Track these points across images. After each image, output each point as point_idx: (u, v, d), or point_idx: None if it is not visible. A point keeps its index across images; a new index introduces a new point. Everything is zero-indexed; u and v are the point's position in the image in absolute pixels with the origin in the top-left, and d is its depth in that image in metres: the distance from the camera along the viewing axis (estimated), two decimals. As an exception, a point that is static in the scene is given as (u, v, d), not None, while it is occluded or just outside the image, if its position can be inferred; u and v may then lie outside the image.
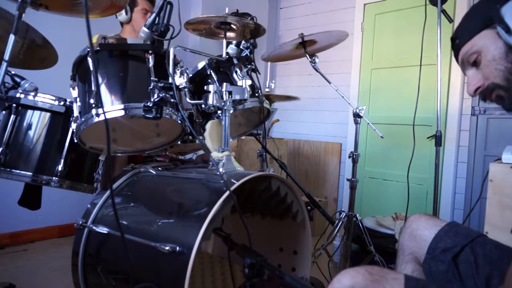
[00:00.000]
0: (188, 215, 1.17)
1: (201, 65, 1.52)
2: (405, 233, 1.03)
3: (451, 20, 1.99)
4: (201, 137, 1.39)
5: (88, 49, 1.24)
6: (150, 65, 1.26)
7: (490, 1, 0.81)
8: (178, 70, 1.30)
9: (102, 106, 1.21)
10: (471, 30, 0.85)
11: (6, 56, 1.09)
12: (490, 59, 0.82)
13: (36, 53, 1.44)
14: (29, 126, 1.37)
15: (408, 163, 2.00)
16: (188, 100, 1.37)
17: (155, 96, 1.21)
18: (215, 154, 1.30)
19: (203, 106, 1.36)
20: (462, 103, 2.86)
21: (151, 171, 1.41)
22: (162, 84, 1.24)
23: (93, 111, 1.20)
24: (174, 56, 1.28)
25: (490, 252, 0.89)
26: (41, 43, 1.39)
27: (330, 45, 2.02)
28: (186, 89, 1.32)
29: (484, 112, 2.75)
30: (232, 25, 1.45)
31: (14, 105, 1.34)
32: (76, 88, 1.32)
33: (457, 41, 0.89)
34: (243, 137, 2.81)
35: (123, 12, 2.16)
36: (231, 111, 1.36)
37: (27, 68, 1.55)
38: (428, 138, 2.10)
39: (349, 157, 2.03)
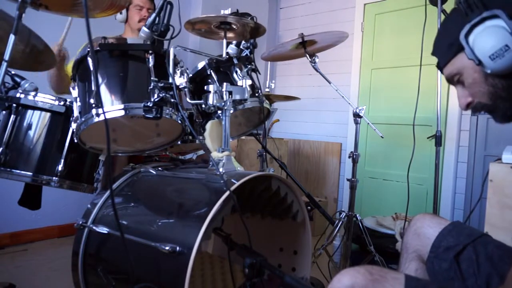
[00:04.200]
0: (188, 215, 1.17)
1: (201, 65, 1.52)
2: (409, 232, 1.04)
3: (451, 20, 1.98)
4: (201, 137, 1.39)
5: (88, 49, 1.24)
6: (150, 65, 1.26)
7: (457, 24, 0.76)
8: (178, 70, 1.30)
9: (102, 106, 1.21)
10: (448, 52, 0.82)
11: (6, 56, 1.09)
12: (471, 82, 0.81)
13: (36, 57, 1.45)
14: (29, 126, 1.37)
15: (408, 163, 2.00)
16: (188, 100, 1.37)
17: (155, 96, 1.21)
18: (215, 154, 1.30)
19: (203, 106, 1.36)
20: (462, 103, 2.85)
21: (151, 171, 1.41)
22: (162, 84, 1.24)
23: (93, 111, 1.19)
24: (174, 56, 1.28)
25: (491, 251, 0.90)
26: (42, 49, 1.40)
27: (330, 45, 2.02)
28: (186, 89, 1.32)
29: (484, 112, 2.74)
30: (232, 25, 1.45)
31: (14, 105, 1.34)
32: (76, 88, 1.32)
33: (438, 61, 0.87)
34: (243, 137, 2.81)
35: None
36: (231, 111, 1.36)
37: (26, 70, 1.55)
38: (428, 138, 2.10)
39: (349, 157, 2.03)
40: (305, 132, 3.82)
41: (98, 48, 1.25)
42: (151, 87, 1.23)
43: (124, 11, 2.18)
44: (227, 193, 1.07)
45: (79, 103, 1.29)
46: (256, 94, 1.57)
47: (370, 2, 3.38)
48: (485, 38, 0.72)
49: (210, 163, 1.28)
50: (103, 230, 1.22)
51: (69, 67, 1.96)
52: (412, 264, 1.02)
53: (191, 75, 1.49)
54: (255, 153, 2.61)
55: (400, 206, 2.89)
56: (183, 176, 1.35)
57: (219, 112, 1.35)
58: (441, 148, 2.07)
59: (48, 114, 1.39)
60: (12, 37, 1.09)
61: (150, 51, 1.27)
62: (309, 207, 1.94)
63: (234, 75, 1.50)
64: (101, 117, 1.18)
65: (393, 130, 3.12)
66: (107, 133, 0.90)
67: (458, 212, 2.89)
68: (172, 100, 1.26)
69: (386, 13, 3.28)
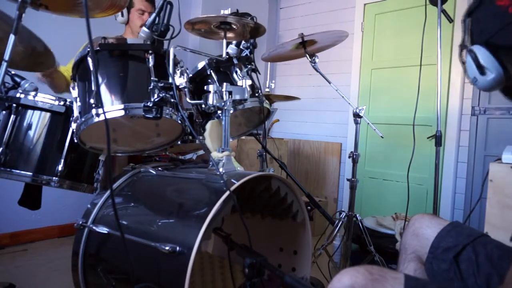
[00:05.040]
0: (188, 215, 1.17)
1: (201, 65, 1.52)
2: (407, 232, 1.04)
3: (451, 20, 1.98)
4: (201, 137, 1.39)
5: (88, 49, 1.24)
6: (150, 65, 1.26)
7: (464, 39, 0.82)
8: (178, 70, 1.30)
9: (102, 106, 1.21)
10: None
11: (6, 56, 1.09)
12: None
13: (36, 59, 1.45)
14: (29, 126, 1.37)
15: (408, 163, 2.00)
16: (188, 100, 1.37)
17: (155, 96, 1.21)
18: (215, 154, 1.30)
19: (203, 106, 1.36)
20: (462, 103, 2.86)
21: (151, 171, 1.41)
22: (162, 84, 1.24)
23: (93, 111, 1.20)
24: (174, 56, 1.28)
25: (491, 251, 0.90)
26: (42, 51, 1.40)
27: (330, 45, 2.02)
28: (186, 89, 1.32)
29: (484, 112, 2.75)
30: (232, 25, 1.45)
31: (14, 105, 1.34)
32: (76, 88, 1.32)
33: None
34: (243, 137, 2.81)
35: (119, 14, 2.14)
36: (231, 111, 1.36)
37: (25, 70, 1.55)
38: (428, 138, 2.10)
39: (349, 157, 2.03)
40: (305, 132, 3.82)
41: (98, 48, 1.25)
42: (151, 87, 1.23)
43: (125, 13, 2.17)
44: (227, 193, 1.07)
45: (79, 103, 1.29)
46: (256, 94, 1.57)
47: (370, 2, 3.38)
48: (467, 65, 0.79)
49: (210, 163, 1.29)
50: (103, 230, 1.22)
51: (63, 68, 1.96)
52: (411, 264, 1.02)
53: (191, 75, 1.49)
54: (255, 153, 2.61)
55: (400, 206, 2.89)
56: (183, 176, 1.35)
57: (219, 112, 1.35)
58: (441, 148, 2.07)
59: (48, 114, 1.39)
60: (12, 37, 1.09)
61: (150, 51, 1.27)
62: (309, 207, 1.94)
63: (234, 75, 1.50)
64: (101, 117, 1.18)
65: (393, 130, 3.12)
66: (107, 133, 0.90)
67: (458, 212, 2.89)
68: (172, 100, 1.26)
69: (386, 13, 3.28)
